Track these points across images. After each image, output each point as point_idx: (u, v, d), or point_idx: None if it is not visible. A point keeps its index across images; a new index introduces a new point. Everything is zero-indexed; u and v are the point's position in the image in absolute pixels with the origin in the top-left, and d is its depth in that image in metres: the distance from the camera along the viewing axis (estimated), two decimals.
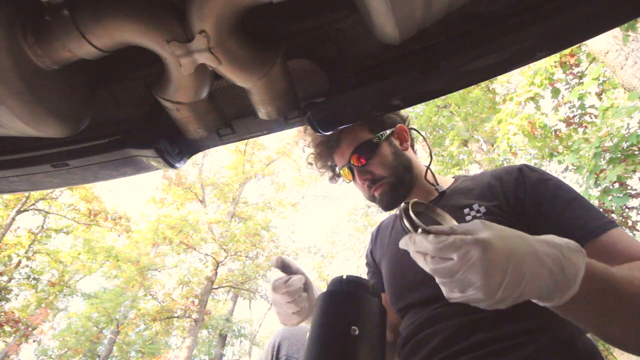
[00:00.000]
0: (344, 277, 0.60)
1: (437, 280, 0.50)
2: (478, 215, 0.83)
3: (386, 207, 1.01)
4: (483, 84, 6.62)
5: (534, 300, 0.51)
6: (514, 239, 0.49)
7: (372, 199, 1.04)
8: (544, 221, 0.76)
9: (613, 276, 0.53)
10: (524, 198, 0.81)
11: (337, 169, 1.09)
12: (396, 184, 0.99)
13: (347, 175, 1.04)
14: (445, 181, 1.06)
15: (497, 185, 0.86)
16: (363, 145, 0.98)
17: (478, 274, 0.45)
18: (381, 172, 0.99)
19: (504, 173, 0.89)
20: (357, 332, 0.52)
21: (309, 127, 0.85)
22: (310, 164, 1.11)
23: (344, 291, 0.58)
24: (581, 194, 0.83)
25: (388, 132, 1.03)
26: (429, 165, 1.04)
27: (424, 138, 1.20)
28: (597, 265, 0.53)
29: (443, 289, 0.50)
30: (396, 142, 1.05)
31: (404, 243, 0.55)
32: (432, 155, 1.39)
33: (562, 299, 0.48)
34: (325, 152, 1.05)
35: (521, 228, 0.76)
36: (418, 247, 0.51)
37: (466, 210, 0.85)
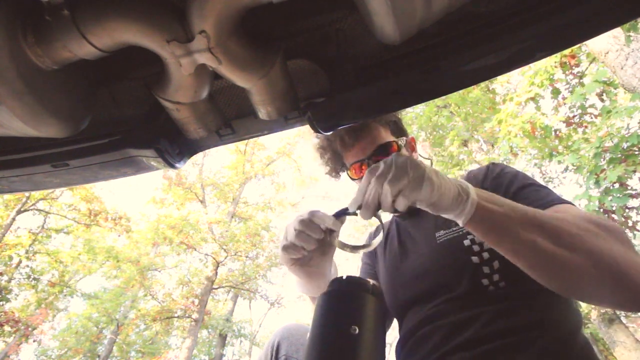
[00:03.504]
0: (344, 277, 0.61)
1: (391, 187, 0.59)
2: None
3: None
4: (483, 84, 6.61)
5: (450, 216, 0.64)
6: None
7: None
8: None
9: (510, 201, 0.65)
10: (488, 189, 0.87)
11: (346, 162, 1.09)
12: None
13: (359, 171, 1.05)
14: None
15: (473, 182, 0.93)
16: (388, 145, 1.03)
17: (405, 157, 0.63)
18: None
19: (477, 171, 0.98)
20: (357, 332, 0.52)
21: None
22: (323, 148, 1.11)
23: (344, 291, 0.58)
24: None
25: (405, 140, 1.10)
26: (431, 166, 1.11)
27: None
28: (488, 192, 0.66)
29: (395, 188, 0.59)
30: (410, 151, 1.12)
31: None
32: (431, 156, 1.44)
33: (467, 206, 0.61)
34: (342, 138, 1.05)
35: None
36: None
37: None
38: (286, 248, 0.76)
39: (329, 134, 1.05)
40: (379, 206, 0.62)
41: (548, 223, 0.61)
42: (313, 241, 0.73)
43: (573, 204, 0.75)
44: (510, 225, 0.61)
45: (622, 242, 0.61)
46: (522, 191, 0.81)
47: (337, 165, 1.11)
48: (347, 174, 1.09)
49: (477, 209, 0.61)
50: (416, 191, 0.58)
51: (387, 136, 1.05)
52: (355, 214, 0.64)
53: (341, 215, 0.69)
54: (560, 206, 0.73)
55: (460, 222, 0.63)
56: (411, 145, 1.14)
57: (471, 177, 0.97)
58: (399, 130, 1.10)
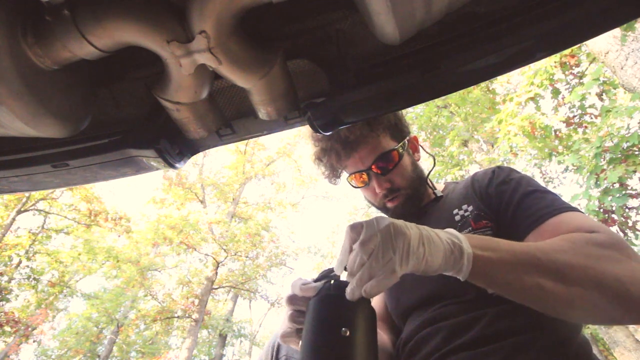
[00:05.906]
0: (332, 282, 0.61)
1: (376, 264, 0.53)
2: (466, 214, 0.88)
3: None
4: (483, 84, 6.62)
5: (449, 274, 0.58)
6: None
7: (383, 208, 1.04)
8: (503, 215, 0.82)
9: (505, 242, 0.62)
10: (492, 195, 0.87)
11: (345, 171, 1.06)
12: (412, 196, 1.01)
13: (359, 180, 1.02)
14: (438, 187, 1.10)
15: (477, 186, 0.92)
16: (388, 154, 0.98)
17: (388, 222, 0.55)
18: (401, 183, 1.00)
19: (482, 175, 0.95)
20: (347, 334, 0.52)
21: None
22: (320, 159, 1.06)
23: (332, 295, 0.59)
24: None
25: (407, 142, 1.05)
26: (432, 168, 1.10)
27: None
28: (481, 237, 0.63)
29: (375, 266, 0.53)
30: (411, 152, 1.08)
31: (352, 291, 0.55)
32: (432, 156, 1.42)
33: (464, 264, 0.57)
34: (337, 152, 1.01)
35: (496, 223, 0.82)
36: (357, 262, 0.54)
37: (455, 211, 0.91)
38: (285, 336, 0.67)
39: (323, 145, 1.03)
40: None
41: (549, 260, 0.59)
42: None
43: (577, 210, 0.74)
44: (511, 271, 0.59)
45: (625, 255, 0.60)
46: (525, 199, 0.79)
47: (335, 172, 1.08)
48: (347, 180, 1.06)
49: (474, 262, 0.57)
50: (402, 267, 0.54)
51: (386, 143, 1.00)
52: (338, 277, 0.60)
53: (324, 279, 0.64)
54: (563, 215, 0.72)
55: (461, 279, 0.59)
56: (413, 146, 1.10)
57: (475, 181, 0.94)
58: (399, 132, 1.04)
